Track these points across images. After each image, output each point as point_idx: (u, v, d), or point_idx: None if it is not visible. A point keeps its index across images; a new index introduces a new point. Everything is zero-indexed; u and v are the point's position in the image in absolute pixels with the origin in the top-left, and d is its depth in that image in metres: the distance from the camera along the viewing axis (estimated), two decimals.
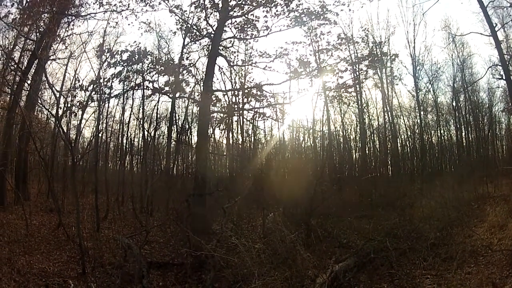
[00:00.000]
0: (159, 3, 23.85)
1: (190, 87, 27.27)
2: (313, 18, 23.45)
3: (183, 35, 27.73)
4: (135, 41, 27.60)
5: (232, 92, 31.82)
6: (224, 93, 29.98)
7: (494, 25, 17.64)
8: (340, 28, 34.25)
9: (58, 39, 25.21)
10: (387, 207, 24.79)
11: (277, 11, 22.88)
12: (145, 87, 26.74)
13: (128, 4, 24.03)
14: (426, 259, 14.94)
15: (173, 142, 34.78)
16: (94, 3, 24.15)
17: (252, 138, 38.82)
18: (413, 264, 14.77)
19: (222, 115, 28.80)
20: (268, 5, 22.78)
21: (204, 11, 23.73)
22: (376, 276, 14.11)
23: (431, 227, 18.90)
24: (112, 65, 24.83)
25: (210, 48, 24.33)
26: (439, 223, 19.61)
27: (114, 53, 24.92)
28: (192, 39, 27.11)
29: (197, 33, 25.42)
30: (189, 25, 25.38)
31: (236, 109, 30.60)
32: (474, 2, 16.98)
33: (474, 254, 14.64)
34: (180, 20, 25.07)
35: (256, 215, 23.49)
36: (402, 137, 42.54)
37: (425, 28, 45.86)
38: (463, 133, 41.55)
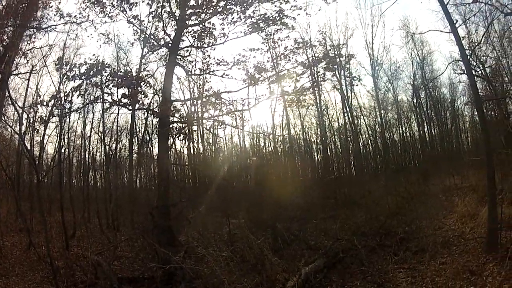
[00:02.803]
0: (117, 14, 23.28)
1: (149, 98, 27.04)
2: (270, 23, 23.42)
3: (142, 46, 27.39)
4: (94, 54, 27.04)
5: (191, 101, 31.68)
6: (183, 102, 29.81)
7: (455, 21, 17.93)
8: (298, 32, 34.01)
9: (20, 53, 24.82)
10: (352, 206, 25.26)
11: (233, 18, 22.69)
12: (104, 100, 26.44)
13: (88, 15, 23.57)
14: (397, 253, 15.21)
15: (135, 155, 34.39)
16: (55, 15, 23.77)
17: (213, 146, 38.84)
18: (384, 259, 15.01)
19: (181, 125, 28.55)
20: (224, 12, 22.55)
21: (161, 20, 23.57)
22: (348, 275, 14.35)
23: (399, 222, 19.17)
24: (71, 79, 24.39)
25: (167, 58, 24.10)
26: (406, 218, 19.80)
27: (72, 66, 24.50)
28: (150, 49, 26.82)
29: (155, 43, 25.14)
30: (147, 35, 25.05)
31: (195, 118, 30.41)
32: (434, 0, 17.23)
33: (447, 245, 14.83)
34: (138, 31, 24.76)
35: (222, 224, 23.29)
36: (364, 136, 42.81)
37: (383, 29, 46.50)
38: (426, 129, 42.05)
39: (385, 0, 20.81)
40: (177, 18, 22.71)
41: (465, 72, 20.99)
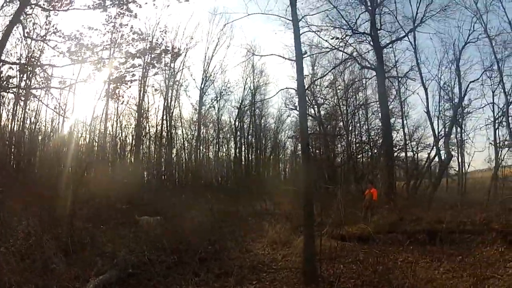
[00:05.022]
0: None
1: None
2: (116, 3, 22.21)
3: None
4: None
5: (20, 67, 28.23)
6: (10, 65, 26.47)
7: (303, 52, 17.31)
8: (145, 29, 34.39)
9: None
10: (154, 215, 22.59)
11: None
12: None
13: None
14: (198, 274, 13.12)
15: None
16: None
17: (34, 125, 34.11)
18: (184, 279, 12.74)
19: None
20: None
21: None
22: None
23: (202, 240, 17.17)
24: None
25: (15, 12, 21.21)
26: (210, 236, 18.09)
27: None
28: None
29: None
30: None
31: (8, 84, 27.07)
32: (288, 33, 16.51)
33: (255, 270, 13.25)
34: None
35: (21, 214, 19.85)
36: (179, 147, 42.61)
37: (227, 49, 46.10)
38: (243, 153, 43.16)
39: (237, 18, 20.18)
40: None
41: (297, 108, 20.60)
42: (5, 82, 23.65)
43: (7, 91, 26.12)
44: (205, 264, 13.95)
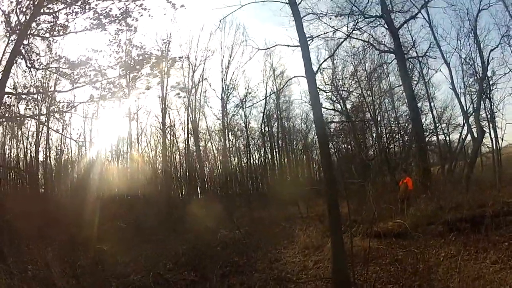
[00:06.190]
0: None
1: None
2: (113, 20, 21.10)
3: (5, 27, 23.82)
4: None
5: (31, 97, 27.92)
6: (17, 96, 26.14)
7: (308, 38, 16.30)
8: (157, 45, 33.37)
9: None
10: (182, 230, 22.54)
11: (74, 8, 20.03)
12: None
13: None
14: None
15: None
16: None
17: (60, 154, 34.58)
18: None
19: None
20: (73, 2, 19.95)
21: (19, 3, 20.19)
22: None
23: (230, 251, 16.60)
24: None
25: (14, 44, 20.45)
26: (238, 247, 17.29)
27: None
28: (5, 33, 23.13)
29: (8, 28, 21.57)
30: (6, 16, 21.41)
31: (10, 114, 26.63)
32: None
33: (282, 282, 11.96)
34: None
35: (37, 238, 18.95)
36: (210, 159, 42.54)
37: (241, 56, 45.27)
38: (275, 157, 42.31)
39: (232, 12, 19.07)
40: (35, 2, 19.83)
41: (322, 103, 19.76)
42: (7, 113, 23.25)
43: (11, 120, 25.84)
44: (226, 280, 12.87)
